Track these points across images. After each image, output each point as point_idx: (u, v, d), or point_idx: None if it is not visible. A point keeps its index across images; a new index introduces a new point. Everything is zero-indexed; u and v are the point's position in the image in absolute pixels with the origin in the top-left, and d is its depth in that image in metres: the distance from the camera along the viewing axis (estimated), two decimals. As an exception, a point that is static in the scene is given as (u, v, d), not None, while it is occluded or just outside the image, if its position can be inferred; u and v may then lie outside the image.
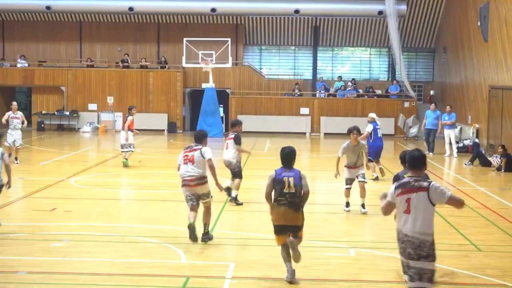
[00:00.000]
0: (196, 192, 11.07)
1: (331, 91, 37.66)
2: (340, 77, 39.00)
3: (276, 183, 9.09)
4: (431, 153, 25.64)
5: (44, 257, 10.01)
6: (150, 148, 26.91)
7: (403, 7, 35.82)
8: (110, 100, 36.25)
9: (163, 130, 35.41)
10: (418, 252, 6.96)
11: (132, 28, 39.37)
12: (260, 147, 28.48)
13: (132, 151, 21.22)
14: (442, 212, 12.63)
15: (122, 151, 21.21)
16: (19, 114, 21.29)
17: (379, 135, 19.40)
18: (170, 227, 12.22)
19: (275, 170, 9.17)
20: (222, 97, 36.19)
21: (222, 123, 34.67)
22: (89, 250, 10.46)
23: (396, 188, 7.20)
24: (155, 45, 39.49)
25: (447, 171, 22.21)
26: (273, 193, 9.16)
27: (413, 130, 33.62)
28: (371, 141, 19.04)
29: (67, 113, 36.08)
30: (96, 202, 14.86)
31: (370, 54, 41.02)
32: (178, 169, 11.23)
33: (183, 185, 11.15)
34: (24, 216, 13.06)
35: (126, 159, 20.89)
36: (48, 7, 36.61)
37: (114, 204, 14.64)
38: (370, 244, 11.20)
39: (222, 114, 35.79)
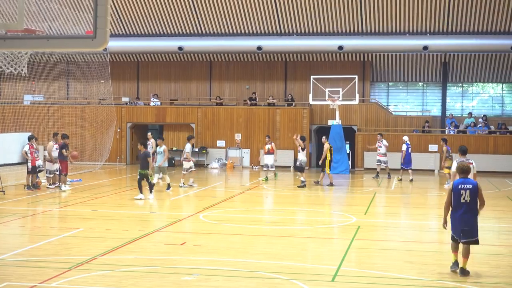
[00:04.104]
0: None
1: (461, 127, 36.72)
2: (470, 113, 38.00)
3: None
4: None
5: (175, 289, 10.24)
6: (277, 184, 27.10)
7: (538, 40, 34.58)
8: (237, 137, 36.95)
9: (289, 167, 35.62)
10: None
11: (260, 67, 40.12)
12: (386, 185, 28.07)
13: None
14: None
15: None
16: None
17: (409, 152, 29.79)
18: (297, 264, 12.22)
19: None
20: (349, 133, 36.05)
21: (349, 159, 34.47)
22: (218, 285, 10.60)
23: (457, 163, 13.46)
24: (282, 83, 40.01)
25: None
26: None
27: (549, 168, 32.17)
28: (403, 156, 29.49)
29: (197, 149, 37.02)
30: (224, 237, 15.09)
31: (502, 89, 39.75)
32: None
33: None
34: (156, 249, 13.43)
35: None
36: (180, 48, 37.97)
37: (242, 239, 14.81)
38: (505, 286, 10.75)
39: (348, 151, 35.62)
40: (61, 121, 36.76)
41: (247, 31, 38.22)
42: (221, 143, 37.39)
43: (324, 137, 28.17)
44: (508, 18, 35.17)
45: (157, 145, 25.15)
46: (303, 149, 26.81)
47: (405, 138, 30.29)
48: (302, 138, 27.08)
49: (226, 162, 36.49)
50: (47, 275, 10.85)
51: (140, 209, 19.62)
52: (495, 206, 20.80)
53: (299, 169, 26.59)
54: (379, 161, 31.01)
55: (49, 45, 9.20)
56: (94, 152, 33.90)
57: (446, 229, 11.91)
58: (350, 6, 35.77)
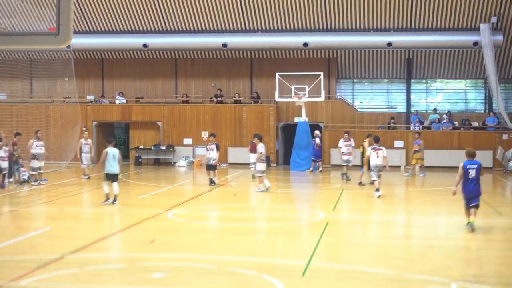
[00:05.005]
0: None
1: (426, 123, 37.09)
2: (435, 109, 38.38)
3: None
4: None
5: (146, 286, 10.18)
6: (244, 181, 27.10)
7: (499, 37, 35.05)
8: (204, 134, 36.84)
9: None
10: (381, 169, 21.94)
11: (226, 64, 40.07)
12: (353, 181, 28.21)
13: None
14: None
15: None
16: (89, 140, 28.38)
17: (320, 145, 33.03)
18: (268, 259, 12.24)
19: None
20: (315, 130, 36.14)
21: (315, 156, 34.60)
22: (188, 281, 10.57)
23: (372, 149, 22.09)
24: (248, 80, 40.01)
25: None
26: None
27: (513, 163, 32.58)
28: (317, 148, 32.66)
29: (163, 147, 36.90)
30: (193, 234, 15.05)
31: (465, 85, 40.24)
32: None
33: None
34: (125, 247, 13.35)
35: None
36: (145, 45, 37.77)
37: (211, 237, 14.78)
38: (472, 279, 10.88)
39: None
40: (25, 120, 36.23)
41: (212, 28, 38.14)
42: (188, 141, 37.26)
43: (370, 137, 26.25)
44: (471, 14, 35.60)
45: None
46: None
47: (317, 132, 33.27)
48: (212, 135, 25.81)
49: (194, 160, 36.38)
50: (15, 274, 10.71)
51: (108, 208, 19.47)
52: (461, 201, 21.00)
53: (211, 167, 25.04)
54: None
55: (11, 42, 9.07)
56: (59, 152, 33.48)
57: (454, 195, 15.97)
58: (315, 2, 35.88)
